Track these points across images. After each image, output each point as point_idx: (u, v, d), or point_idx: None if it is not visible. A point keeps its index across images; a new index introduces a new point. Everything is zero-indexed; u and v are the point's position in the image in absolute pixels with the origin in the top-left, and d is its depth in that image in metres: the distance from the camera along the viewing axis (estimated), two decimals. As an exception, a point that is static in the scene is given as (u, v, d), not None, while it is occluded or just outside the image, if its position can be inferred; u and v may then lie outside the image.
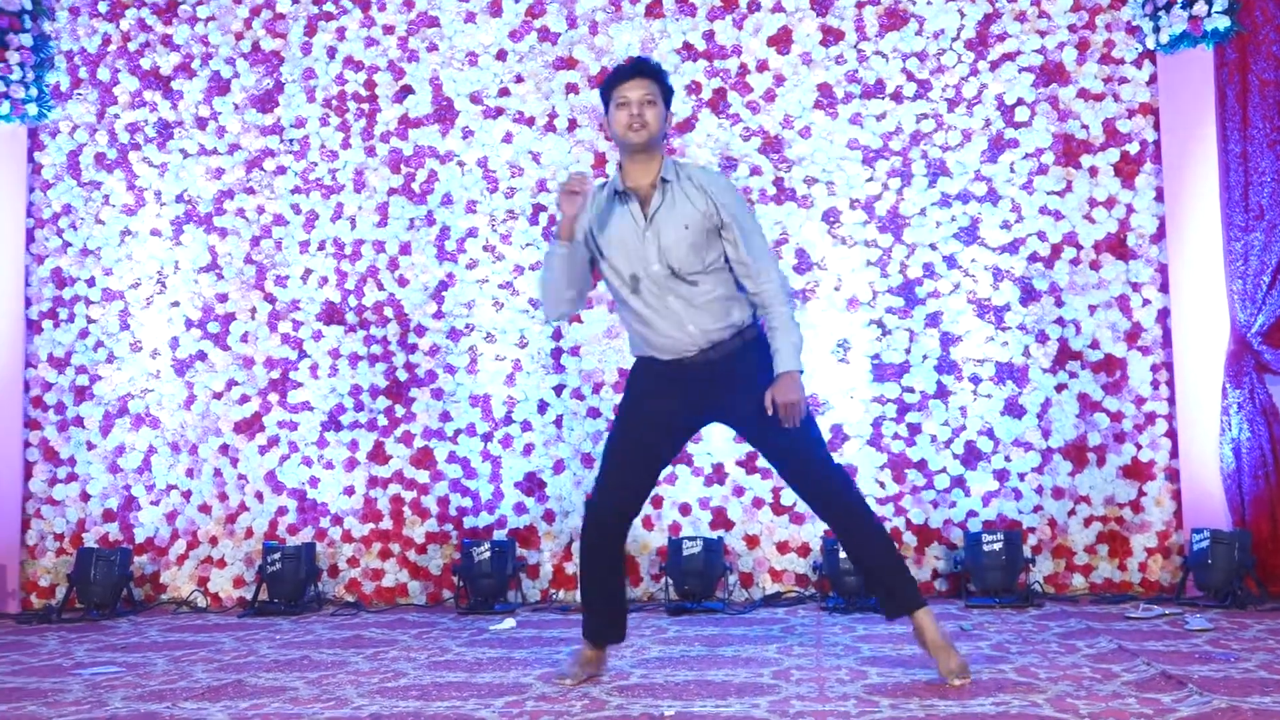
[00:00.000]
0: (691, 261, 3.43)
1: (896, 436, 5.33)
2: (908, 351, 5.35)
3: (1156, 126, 5.29)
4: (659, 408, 3.52)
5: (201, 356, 5.75)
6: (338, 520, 5.61)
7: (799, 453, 3.49)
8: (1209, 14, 4.97)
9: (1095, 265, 5.30)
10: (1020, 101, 5.37)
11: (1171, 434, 5.21)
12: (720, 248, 3.48)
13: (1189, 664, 3.59)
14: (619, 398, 5.41)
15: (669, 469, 3.59)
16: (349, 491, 5.62)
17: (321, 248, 5.72)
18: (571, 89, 5.60)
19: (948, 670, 3.37)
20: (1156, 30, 5.14)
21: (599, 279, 3.61)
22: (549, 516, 5.48)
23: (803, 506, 5.27)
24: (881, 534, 3.53)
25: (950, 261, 5.37)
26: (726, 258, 3.49)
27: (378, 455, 5.62)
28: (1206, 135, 5.16)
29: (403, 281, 5.67)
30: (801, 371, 3.40)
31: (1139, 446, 5.22)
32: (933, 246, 5.37)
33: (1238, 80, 5.08)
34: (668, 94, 3.53)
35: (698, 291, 3.44)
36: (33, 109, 5.65)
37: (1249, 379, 4.98)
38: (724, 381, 3.47)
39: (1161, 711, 2.97)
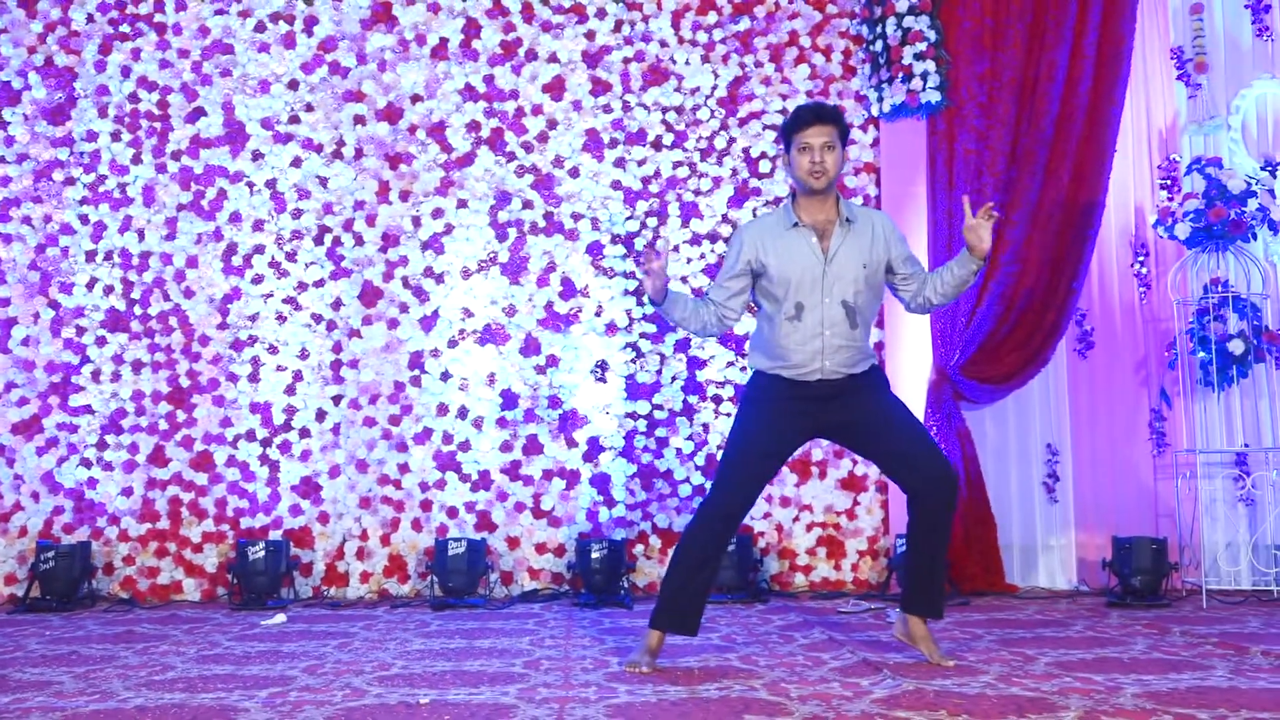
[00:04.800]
0: (869, 300, 3.65)
1: (646, 449, 5.85)
2: (659, 373, 5.89)
3: (878, 184, 5.99)
4: (779, 423, 3.68)
5: (-20, 359, 5.79)
6: (115, 520, 5.73)
7: (906, 451, 3.65)
8: (924, 89, 5.71)
9: (824, 303, 5.94)
10: (764, 155, 5.99)
11: (883, 452, 5.89)
12: (881, 291, 3.73)
13: (886, 652, 3.95)
14: (394, 409, 5.78)
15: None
16: (127, 492, 5.74)
17: (109, 258, 5.86)
18: (359, 120, 5.92)
19: (938, 657, 3.72)
20: (880, 100, 5.85)
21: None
22: (324, 518, 5.75)
23: (561, 510, 5.76)
24: (948, 540, 3.73)
25: (698, 294, 5.89)
26: (894, 289, 3.76)
27: (158, 458, 5.77)
28: (919, 193, 5.87)
29: (189, 293, 5.85)
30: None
31: (855, 462, 5.86)
32: (684, 279, 5.94)
33: (945, 148, 5.82)
34: (845, 136, 3.68)
35: (852, 335, 3.63)
36: None
37: (946, 405, 5.70)
38: (837, 401, 3.67)
39: (860, 693, 3.26)
